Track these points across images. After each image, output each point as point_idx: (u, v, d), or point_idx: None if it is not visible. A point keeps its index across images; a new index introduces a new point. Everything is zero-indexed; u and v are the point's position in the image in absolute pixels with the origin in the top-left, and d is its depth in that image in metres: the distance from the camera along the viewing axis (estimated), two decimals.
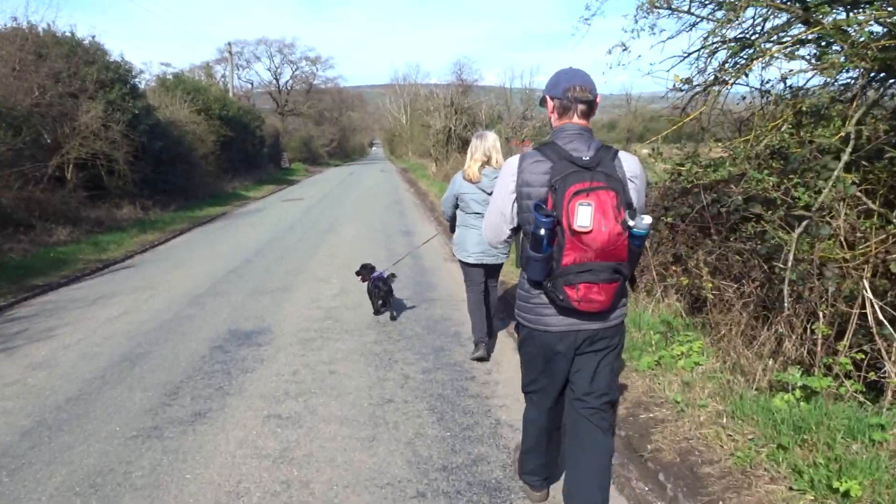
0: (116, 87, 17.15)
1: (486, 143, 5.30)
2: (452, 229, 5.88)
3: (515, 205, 2.75)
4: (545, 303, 2.71)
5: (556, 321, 2.71)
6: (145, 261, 11.77)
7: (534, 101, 29.12)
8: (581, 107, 2.69)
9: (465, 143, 29.11)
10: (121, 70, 18.08)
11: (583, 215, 2.40)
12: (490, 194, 5.15)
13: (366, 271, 7.08)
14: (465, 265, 5.57)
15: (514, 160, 2.75)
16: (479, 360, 5.52)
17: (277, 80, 61.79)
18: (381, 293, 6.91)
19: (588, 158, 2.54)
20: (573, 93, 2.66)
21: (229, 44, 39.10)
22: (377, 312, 7.05)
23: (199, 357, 5.72)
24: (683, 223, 6.55)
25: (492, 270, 5.67)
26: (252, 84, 60.64)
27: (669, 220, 6.58)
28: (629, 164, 2.67)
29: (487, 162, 5.29)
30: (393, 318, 6.94)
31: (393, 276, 7.12)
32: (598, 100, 2.72)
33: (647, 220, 2.49)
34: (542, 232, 2.47)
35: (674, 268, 6.51)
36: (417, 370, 5.28)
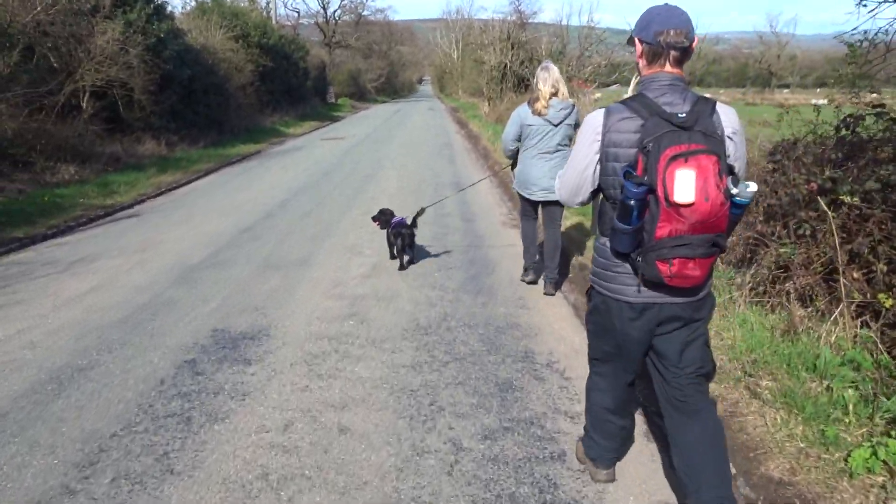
0: (138, 5, 15.26)
1: (554, 74, 5.22)
2: (514, 166, 5.71)
3: (598, 166, 2.42)
4: (628, 272, 2.42)
5: (636, 290, 2.41)
6: (155, 208, 10.09)
7: (592, 39, 26.21)
8: (674, 53, 2.32)
9: (521, 81, 26.69)
10: None
11: (684, 185, 2.08)
12: (556, 126, 5.21)
13: (384, 217, 6.61)
14: (524, 199, 5.57)
15: (598, 115, 2.40)
16: (531, 283, 5.84)
17: (325, 9, 59.02)
18: (406, 240, 6.38)
19: (684, 115, 2.20)
20: (666, 37, 2.29)
21: None
22: (397, 258, 6.54)
23: (157, 382, 3.94)
24: (868, 206, 4.45)
25: (555, 205, 5.44)
26: (298, 13, 58.18)
27: (846, 198, 4.48)
28: (728, 117, 2.33)
29: (555, 94, 5.20)
30: (412, 263, 6.59)
31: (421, 210, 6.58)
32: (694, 44, 2.33)
33: (753, 187, 2.19)
34: (633, 202, 2.18)
35: (853, 273, 4.43)
36: (475, 433, 3.38)
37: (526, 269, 5.89)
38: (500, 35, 29.10)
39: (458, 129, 26.08)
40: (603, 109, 2.40)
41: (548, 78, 5.17)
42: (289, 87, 32.75)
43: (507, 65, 28.02)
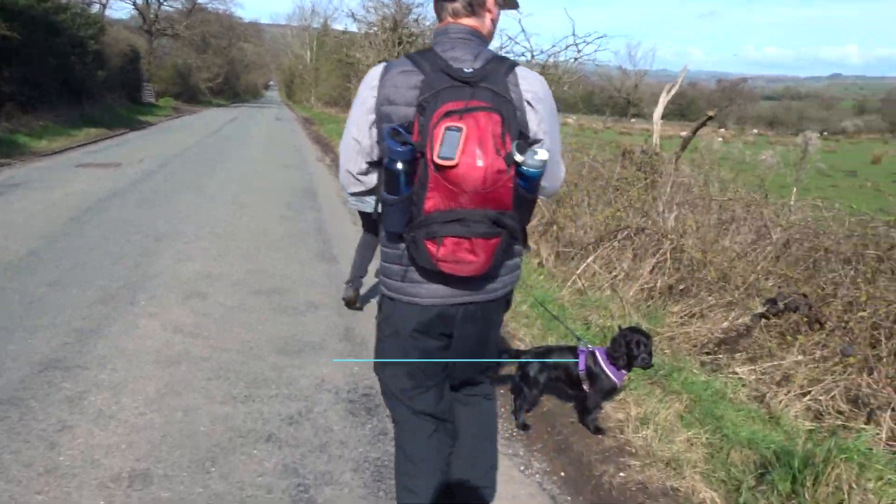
0: None
1: None
2: None
3: (374, 130, 2.00)
4: (411, 263, 2.01)
5: (427, 291, 2.03)
6: None
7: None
8: (455, 4, 2.00)
9: None
10: None
11: (448, 143, 1.76)
12: None
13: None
14: (364, 214, 4.85)
15: (377, 70, 2.02)
16: (345, 298, 4.91)
17: None
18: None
19: (471, 71, 1.89)
20: None
21: None
22: None
23: None
24: None
25: None
26: None
27: None
28: (531, 83, 1.99)
29: None
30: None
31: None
32: None
33: (543, 154, 1.84)
34: (399, 166, 1.84)
35: None
36: None
37: (348, 282, 4.90)
38: (382, 25, 20.73)
39: (321, 153, 17.29)
40: (384, 63, 2.02)
41: None
42: (70, 77, 22.40)
43: None
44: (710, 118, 8.24)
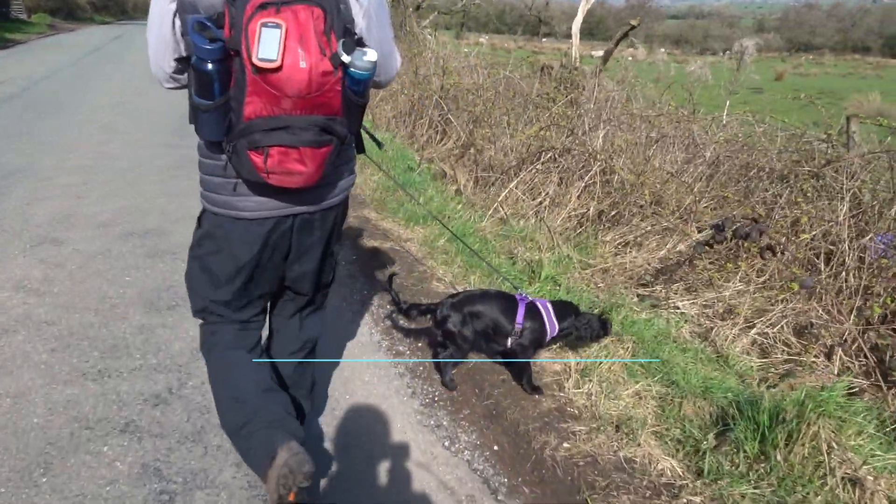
0: None
1: None
2: None
3: (178, 21, 1.70)
4: (236, 175, 1.81)
5: (257, 204, 1.85)
6: None
7: None
8: None
9: None
10: None
11: (267, 43, 1.55)
12: None
13: None
14: None
15: None
16: None
17: None
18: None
19: None
20: None
21: None
22: None
23: None
24: None
25: None
26: None
27: None
28: None
29: None
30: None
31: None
32: None
33: (372, 55, 1.66)
34: (210, 66, 1.61)
35: None
36: None
37: None
38: None
39: None
40: None
41: None
42: None
43: None
44: (634, 27, 7.74)
